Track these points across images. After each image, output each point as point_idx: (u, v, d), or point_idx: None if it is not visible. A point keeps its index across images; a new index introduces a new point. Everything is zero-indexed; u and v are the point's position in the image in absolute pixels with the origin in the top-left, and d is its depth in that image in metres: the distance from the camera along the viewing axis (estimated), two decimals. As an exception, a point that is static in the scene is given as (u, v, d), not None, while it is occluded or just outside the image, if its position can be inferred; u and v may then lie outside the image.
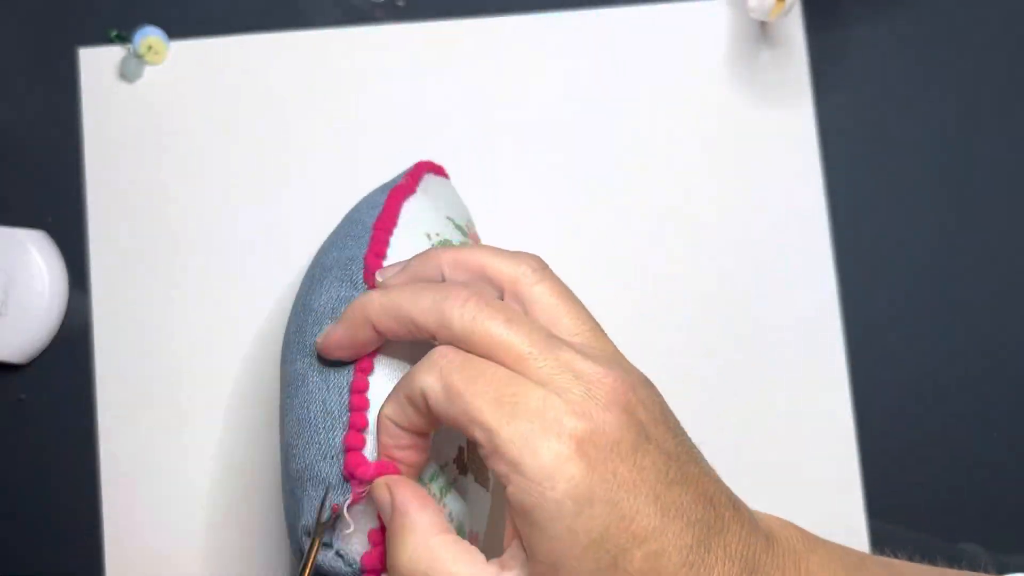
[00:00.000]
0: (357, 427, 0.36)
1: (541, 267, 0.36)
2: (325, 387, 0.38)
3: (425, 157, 0.52)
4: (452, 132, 0.52)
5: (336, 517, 0.35)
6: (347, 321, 0.37)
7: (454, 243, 0.42)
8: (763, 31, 0.52)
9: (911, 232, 0.52)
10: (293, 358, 0.40)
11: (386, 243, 0.40)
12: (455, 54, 0.53)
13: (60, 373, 0.51)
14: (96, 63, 0.53)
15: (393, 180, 0.46)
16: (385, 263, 0.40)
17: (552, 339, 0.33)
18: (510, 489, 0.31)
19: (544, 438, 0.31)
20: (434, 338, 0.35)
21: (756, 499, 0.35)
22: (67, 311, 0.51)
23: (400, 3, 0.53)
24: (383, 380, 0.37)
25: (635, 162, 0.52)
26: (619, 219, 0.52)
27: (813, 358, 0.51)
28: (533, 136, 0.52)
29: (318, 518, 0.35)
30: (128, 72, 0.52)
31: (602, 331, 0.36)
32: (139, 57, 0.52)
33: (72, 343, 0.51)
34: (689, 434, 0.35)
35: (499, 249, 0.37)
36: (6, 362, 0.50)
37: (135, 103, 0.52)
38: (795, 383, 0.51)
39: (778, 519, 0.35)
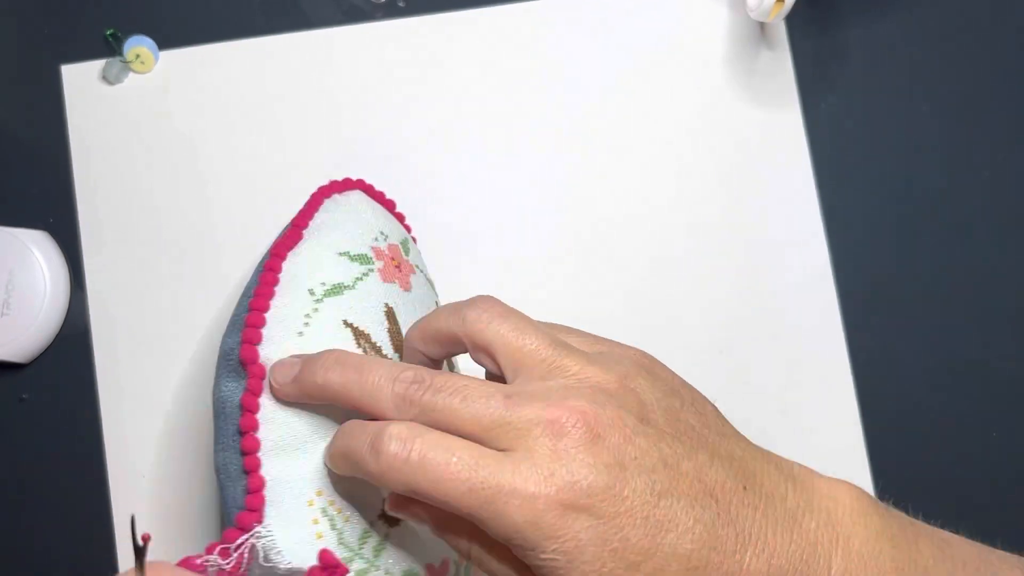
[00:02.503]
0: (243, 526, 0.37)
1: (485, 311, 0.36)
2: (228, 485, 0.39)
3: (426, 156, 0.52)
4: (451, 129, 0.52)
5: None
6: (301, 385, 0.38)
7: (346, 284, 0.42)
8: (762, 32, 0.53)
9: (904, 235, 0.52)
10: (215, 449, 0.40)
11: (261, 325, 0.40)
12: (454, 49, 0.53)
13: (62, 372, 0.51)
14: (81, 70, 0.52)
15: (285, 228, 0.45)
16: (260, 348, 0.39)
17: (510, 399, 0.34)
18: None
19: (523, 514, 0.32)
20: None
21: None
22: (69, 311, 0.51)
23: (401, 3, 0.53)
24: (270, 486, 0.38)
25: (633, 158, 0.52)
26: (616, 213, 0.52)
27: (813, 360, 0.52)
28: (532, 132, 0.52)
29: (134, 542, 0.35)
30: (110, 75, 0.52)
31: (563, 346, 0.36)
32: (124, 63, 0.52)
33: (74, 342, 0.51)
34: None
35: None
36: (8, 361, 0.50)
37: (123, 107, 0.52)
38: (797, 379, 0.51)
39: (837, 486, 0.36)
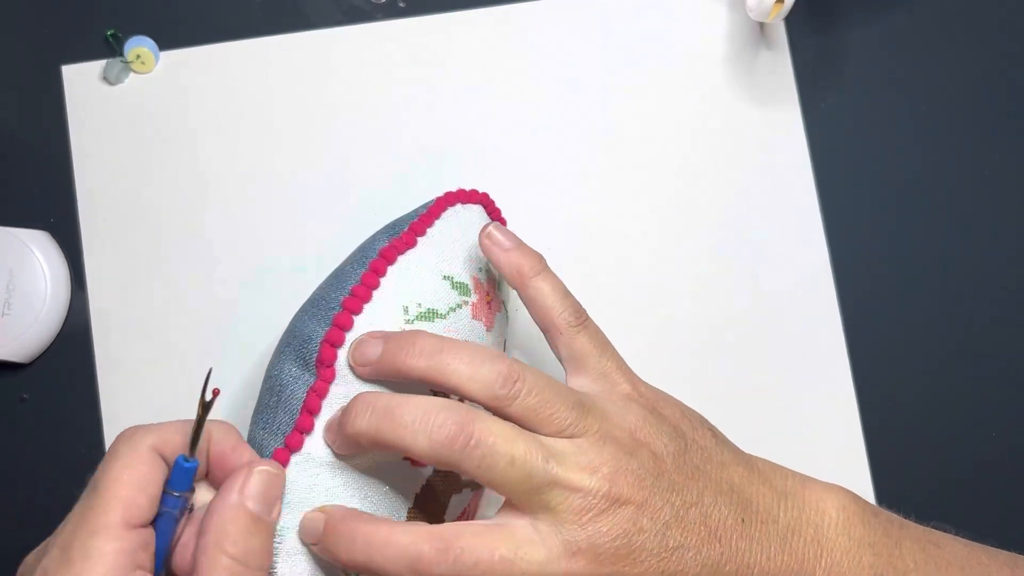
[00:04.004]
0: None
1: (510, 379, 0.38)
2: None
3: (427, 158, 0.51)
4: (453, 130, 0.52)
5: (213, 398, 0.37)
6: (343, 441, 0.38)
7: (440, 313, 0.41)
8: (762, 32, 0.53)
9: (904, 234, 0.53)
10: (255, 420, 0.41)
11: (348, 328, 0.40)
12: (453, 49, 0.53)
13: (63, 372, 0.51)
14: (82, 71, 0.53)
15: (409, 216, 0.45)
16: (339, 351, 0.40)
17: (548, 463, 0.36)
18: None
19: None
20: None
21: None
22: (69, 310, 0.51)
23: (401, 3, 0.53)
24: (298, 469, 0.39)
25: (633, 158, 0.52)
26: (618, 211, 0.52)
27: (813, 360, 0.52)
28: (533, 132, 0.52)
29: (202, 396, 0.37)
30: (111, 75, 0.52)
31: (583, 411, 0.38)
32: (125, 63, 0.52)
33: (75, 342, 0.51)
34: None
35: (469, 360, 0.38)
36: (9, 361, 0.50)
37: (124, 107, 0.52)
38: (797, 378, 0.51)
39: (826, 496, 0.39)
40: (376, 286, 0.41)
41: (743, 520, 0.38)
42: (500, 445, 0.36)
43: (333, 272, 0.43)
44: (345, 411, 0.38)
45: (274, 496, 0.37)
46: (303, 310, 0.42)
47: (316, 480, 0.39)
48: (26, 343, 0.50)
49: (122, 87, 0.52)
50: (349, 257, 0.43)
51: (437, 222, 0.44)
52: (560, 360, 0.41)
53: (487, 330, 0.43)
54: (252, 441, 0.40)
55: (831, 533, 0.38)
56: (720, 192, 0.52)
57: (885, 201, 0.52)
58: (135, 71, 0.52)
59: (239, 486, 0.36)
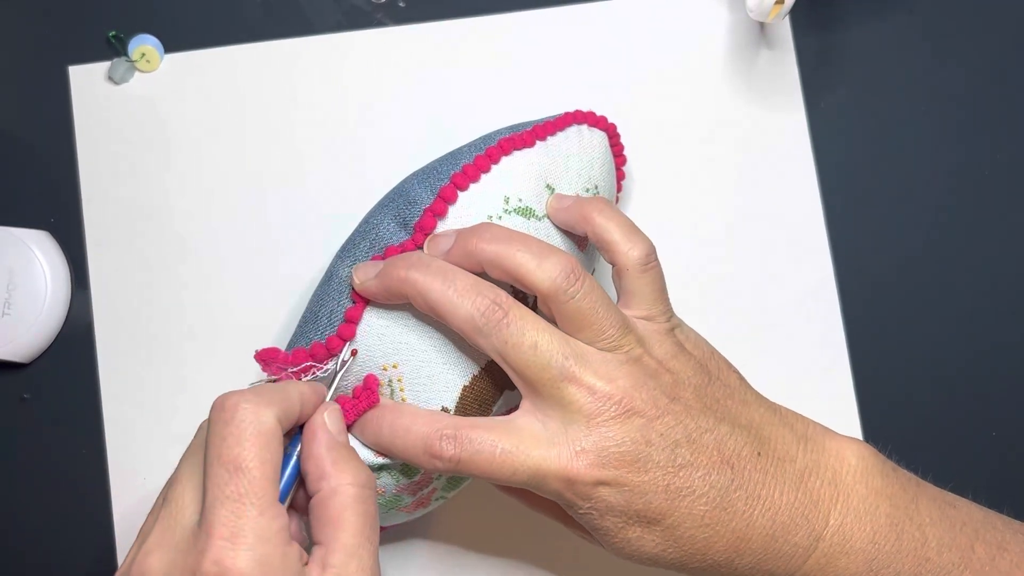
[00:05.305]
0: (342, 336, 0.41)
1: (573, 275, 0.39)
2: (336, 297, 0.42)
3: (426, 158, 0.52)
4: (455, 134, 0.52)
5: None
6: (384, 279, 0.40)
7: (536, 214, 0.43)
8: (762, 32, 0.53)
9: (907, 234, 0.52)
10: (340, 255, 0.44)
11: (452, 201, 0.42)
12: (455, 54, 0.53)
13: (64, 372, 0.51)
14: (88, 71, 0.53)
15: (535, 121, 0.46)
16: (441, 223, 0.42)
17: (574, 361, 0.38)
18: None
19: (560, 486, 0.38)
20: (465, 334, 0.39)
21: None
22: (70, 310, 0.51)
23: (401, 3, 0.53)
24: (367, 330, 0.41)
25: (634, 160, 0.52)
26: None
27: (815, 363, 0.51)
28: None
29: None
30: (116, 75, 0.52)
31: (624, 331, 0.39)
32: (130, 62, 0.52)
33: (75, 342, 0.51)
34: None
35: (537, 252, 0.39)
36: (9, 361, 0.51)
37: (129, 107, 0.52)
38: (797, 385, 0.51)
39: (847, 446, 0.40)
40: (486, 170, 0.43)
41: (759, 453, 0.39)
42: (528, 329, 0.38)
43: (451, 151, 0.45)
44: (397, 258, 0.40)
45: (343, 426, 0.40)
46: (415, 174, 0.44)
47: (400, 321, 0.41)
48: (26, 343, 0.50)
49: (126, 87, 0.52)
50: (469, 142, 0.45)
51: (560, 133, 0.45)
52: (616, 289, 0.42)
53: (580, 249, 0.44)
54: (332, 276, 0.43)
55: (849, 480, 0.39)
56: (723, 192, 0.52)
57: (888, 200, 0.52)
58: (140, 70, 0.52)
59: (323, 426, 0.39)
